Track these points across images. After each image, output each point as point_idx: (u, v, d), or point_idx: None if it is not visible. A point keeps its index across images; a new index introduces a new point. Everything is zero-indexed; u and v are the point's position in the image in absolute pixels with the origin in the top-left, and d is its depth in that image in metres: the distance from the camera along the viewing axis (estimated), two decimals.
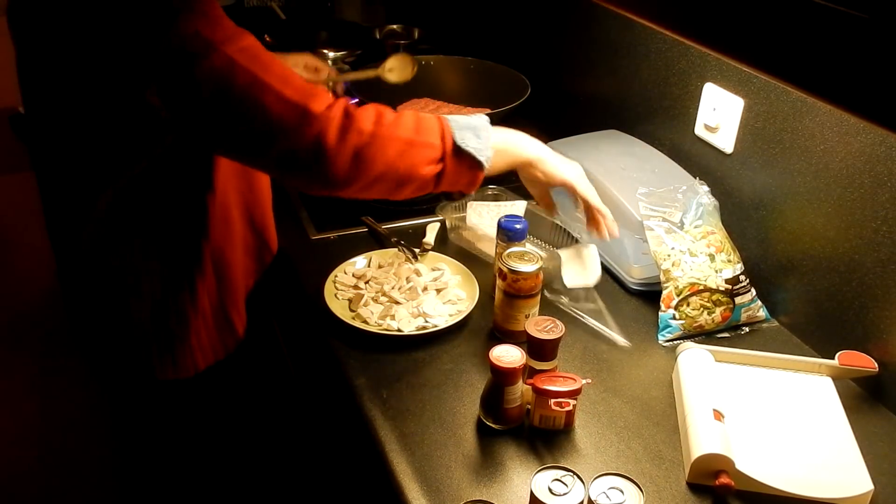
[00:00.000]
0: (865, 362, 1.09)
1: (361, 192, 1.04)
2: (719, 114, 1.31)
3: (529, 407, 1.03)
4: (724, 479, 0.92)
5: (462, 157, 1.04)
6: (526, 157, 1.14)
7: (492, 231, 1.32)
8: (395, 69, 1.71)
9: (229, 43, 0.96)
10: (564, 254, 1.26)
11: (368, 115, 0.99)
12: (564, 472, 0.87)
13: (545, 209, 1.24)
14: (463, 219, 1.42)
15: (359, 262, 1.33)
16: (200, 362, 1.25)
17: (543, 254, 1.28)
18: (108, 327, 1.26)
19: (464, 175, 1.06)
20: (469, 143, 1.04)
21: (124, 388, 1.35)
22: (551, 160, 1.16)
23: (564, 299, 1.27)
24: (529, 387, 1.01)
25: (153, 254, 1.17)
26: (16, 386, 2.47)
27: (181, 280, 1.19)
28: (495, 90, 1.84)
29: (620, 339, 1.20)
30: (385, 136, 0.99)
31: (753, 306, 1.23)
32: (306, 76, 1.66)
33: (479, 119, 1.09)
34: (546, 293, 1.27)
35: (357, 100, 1.77)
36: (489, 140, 1.06)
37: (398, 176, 1.02)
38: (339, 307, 1.22)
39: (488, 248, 1.35)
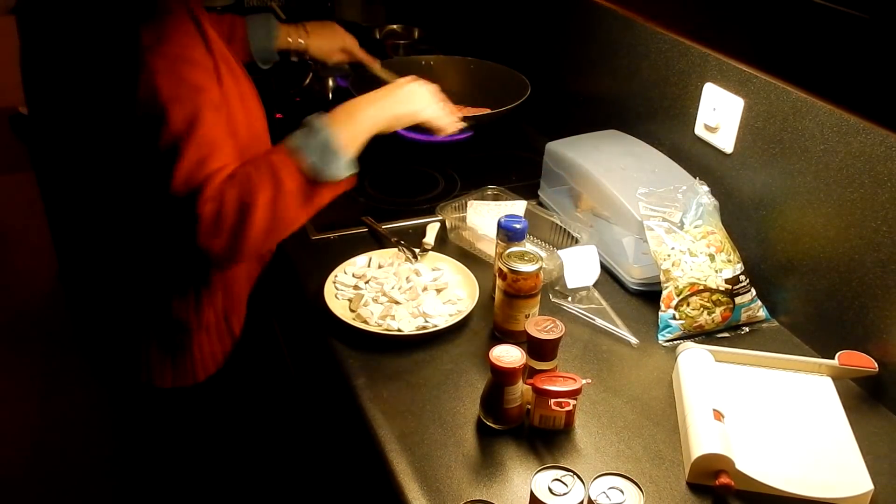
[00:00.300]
0: (865, 362, 1.09)
1: (255, 254, 1.07)
2: (719, 114, 1.31)
3: (529, 407, 1.03)
4: (724, 479, 0.92)
5: (325, 181, 1.05)
6: (378, 128, 1.15)
7: (492, 231, 1.32)
8: None
9: (173, 103, 0.97)
10: (564, 255, 1.26)
11: (232, 195, 0.99)
12: (564, 472, 0.87)
13: None
14: (463, 219, 1.42)
15: (359, 262, 1.33)
16: (200, 373, 1.25)
17: (543, 254, 1.28)
18: (110, 333, 1.26)
19: (336, 188, 1.08)
20: (324, 169, 1.04)
21: (124, 391, 1.36)
22: (398, 116, 1.18)
23: (569, 301, 1.27)
24: (529, 387, 1.01)
25: (160, 270, 1.17)
26: (16, 386, 2.47)
27: (188, 296, 1.19)
28: (495, 90, 1.84)
29: (631, 338, 1.20)
30: (249, 208, 0.99)
31: (753, 306, 1.23)
32: (342, 59, 1.69)
33: (321, 132, 1.06)
34: (550, 297, 1.28)
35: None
36: (340, 150, 1.06)
37: (279, 229, 1.05)
38: (339, 307, 1.22)
39: (488, 248, 1.35)
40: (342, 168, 1.07)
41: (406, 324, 1.19)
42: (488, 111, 1.80)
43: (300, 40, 1.59)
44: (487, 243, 1.35)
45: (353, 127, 1.11)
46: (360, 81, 1.79)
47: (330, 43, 1.65)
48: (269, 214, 1.01)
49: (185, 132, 0.97)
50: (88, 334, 1.32)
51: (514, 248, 1.17)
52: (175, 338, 1.21)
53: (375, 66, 1.75)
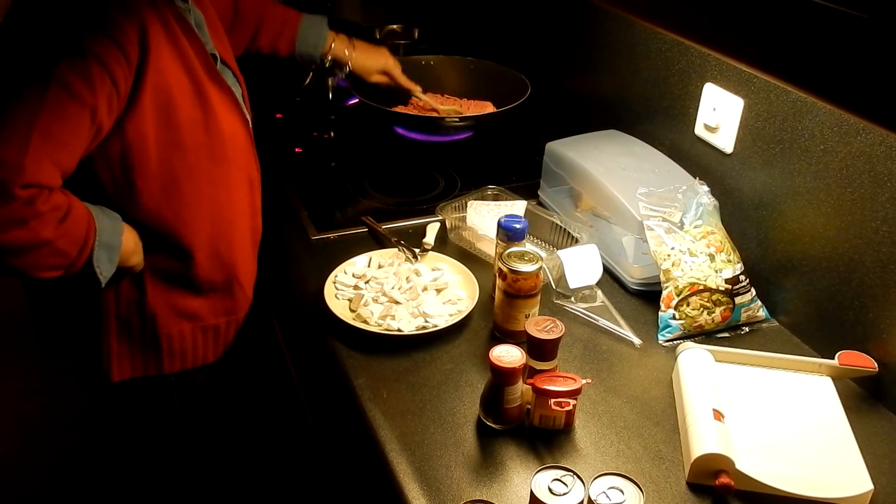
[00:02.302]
0: (865, 362, 1.09)
1: None
2: (719, 114, 1.31)
3: (529, 407, 1.03)
4: (724, 479, 0.92)
5: (87, 271, 1.08)
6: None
7: (492, 231, 1.32)
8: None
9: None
10: (565, 255, 1.26)
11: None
12: (564, 472, 0.87)
13: None
14: (463, 219, 1.42)
15: (359, 262, 1.33)
16: (115, 375, 1.25)
17: (543, 254, 1.28)
18: (69, 325, 1.26)
19: (81, 274, 1.09)
20: (101, 266, 1.08)
21: (92, 384, 1.36)
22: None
23: (572, 301, 1.27)
24: (529, 387, 1.01)
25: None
26: (16, 386, 2.47)
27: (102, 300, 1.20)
28: (496, 90, 1.84)
29: (634, 338, 1.20)
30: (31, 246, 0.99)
31: (753, 306, 1.23)
32: (381, 80, 1.72)
33: (119, 236, 1.10)
34: (553, 298, 1.28)
35: (357, 99, 1.77)
36: (116, 261, 1.11)
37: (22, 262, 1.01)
38: (339, 307, 1.22)
39: (488, 247, 1.35)
40: (104, 276, 1.10)
41: (406, 324, 1.19)
42: (490, 105, 1.80)
43: (346, 52, 1.63)
44: (487, 243, 1.35)
45: (126, 252, 1.14)
46: (361, 82, 1.79)
47: (373, 63, 1.68)
48: (34, 251, 1.01)
49: (33, 112, 0.96)
50: (50, 331, 1.33)
51: (514, 248, 1.17)
52: (137, 324, 1.23)
53: (417, 90, 1.78)
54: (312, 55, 1.60)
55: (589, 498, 0.85)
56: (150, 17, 1.06)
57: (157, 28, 1.06)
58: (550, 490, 0.85)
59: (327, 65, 1.64)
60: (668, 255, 1.20)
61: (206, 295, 1.26)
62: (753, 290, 1.22)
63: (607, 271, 1.34)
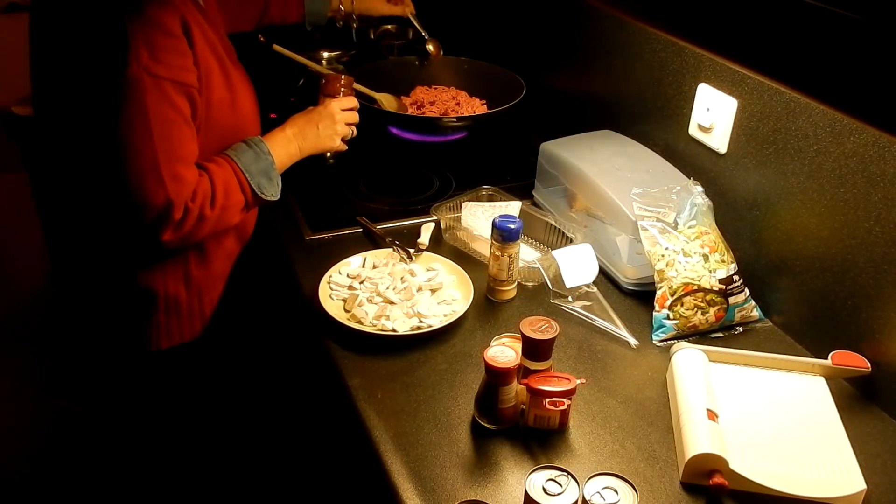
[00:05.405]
0: (858, 362, 1.09)
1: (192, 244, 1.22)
2: (713, 114, 1.31)
3: (524, 407, 1.03)
4: (717, 479, 0.92)
5: (259, 198, 1.23)
6: (300, 158, 1.33)
7: (486, 231, 1.32)
8: (384, 101, 1.78)
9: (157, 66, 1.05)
10: (560, 255, 1.26)
11: (194, 208, 1.12)
12: (559, 472, 0.87)
13: None
14: (457, 219, 1.42)
15: (353, 263, 1.33)
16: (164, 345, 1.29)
17: (538, 254, 1.28)
18: (91, 313, 1.30)
19: (266, 201, 1.24)
20: (265, 191, 1.23)
21: (115, 380, 1.37)
22: (317, 150, 1.35)
23: (568, 301, 1.27)
24: (524, 387, 1.01)
25: (127, 241, 1.22)
26: (13, 385, 2.46)
27: (155, 266, 1.25)
28: (491, 90, 1.84)
29: (630, 338, 1.20)
30: (205, 218, 1.15)
31: (747, 306, 1.23)
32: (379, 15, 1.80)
33: (265, 159, 1.23)
34: (549, 299, 1.28)
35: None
36: (276, 176, 1.25)
37: (220, 229, 1.21)
38: (333, 307, 1.22)
39: (483, 248, 1.35)
40: (276, 190, 1.25)
41: (401, 324, 1.19)
42: (485, 110, 1.80)
43: (347, 5, 1.71)
44: (482, 244, 1.35)
45: (287, 158, 1.29)
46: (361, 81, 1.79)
47: (370, 6, 1.76)
48: (218, 222, 1.18)
49: (161, 103, 1.06)
50: (76, 328, 1.34)
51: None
52: (138, 309, 1.25)
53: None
54: (321, 15, 1.68)
55: (583, 498, 0.85)
56: (186, 7, 1.13)
57: (192, 16, 1.14)
58: (545, 490, 0.85)
59: (338, 24, 1.71)
60: (663, 256, 1.21)
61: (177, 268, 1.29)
62: (747, 290, 1.23)
63: (602, 271, 1.34)
